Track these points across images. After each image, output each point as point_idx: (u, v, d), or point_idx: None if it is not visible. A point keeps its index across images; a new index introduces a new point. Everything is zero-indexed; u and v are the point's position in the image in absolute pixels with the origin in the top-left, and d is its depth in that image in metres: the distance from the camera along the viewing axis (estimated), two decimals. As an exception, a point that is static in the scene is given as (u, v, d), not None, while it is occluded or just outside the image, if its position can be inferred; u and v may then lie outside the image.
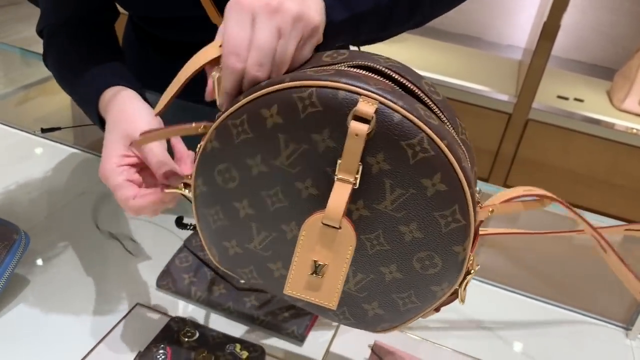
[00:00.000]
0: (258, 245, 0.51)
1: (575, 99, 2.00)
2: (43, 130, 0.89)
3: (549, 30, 1.77)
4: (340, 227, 0.44)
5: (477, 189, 0.49)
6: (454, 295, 0.52)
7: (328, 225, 0.44)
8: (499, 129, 1.96)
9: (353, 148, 0.43)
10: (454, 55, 2.20)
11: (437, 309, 0.53)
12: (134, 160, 0.59)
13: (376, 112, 0.42)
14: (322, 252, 0.45)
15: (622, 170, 1.90)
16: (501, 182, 2.05)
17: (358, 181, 0.44)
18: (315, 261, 0.46)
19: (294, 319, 0.68)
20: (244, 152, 0.47)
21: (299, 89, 0.44)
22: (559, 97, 2.00)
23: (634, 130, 1.86)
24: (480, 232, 0.52)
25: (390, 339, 0.69)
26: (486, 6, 2.39)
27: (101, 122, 0.66)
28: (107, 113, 0.63)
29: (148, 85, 0.93)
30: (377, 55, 0.47)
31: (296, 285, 0.47)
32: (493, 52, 2.35)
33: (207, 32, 0.75)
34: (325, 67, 0.47)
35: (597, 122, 1.89)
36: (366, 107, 0.42)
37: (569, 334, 0.76)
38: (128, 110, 0.62)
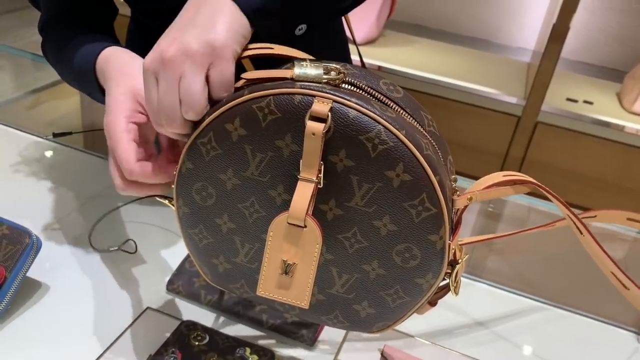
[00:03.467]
0: (244, 258, 0.52)
1: (585, 102, 1.99)
2: (55, 135, 0.90)
3: (558, 32, 1.76)
4: (305, 226, 0.45)
5: (453, 177, 0.49)
6: (446, 289, 0.52)
7: (294, 225, 0.45)
8: (507, 132, 1.95)
9: (312, 147, 0.44)
10: (462, 57, 2.20)
11: (432, 303, 0.53)
12: (143, 118, 0.56)
13: (331, 110, 0.43)
14: (290, 251, 0.46)
15: (632, 173, 1.88)
16: (510, 185, 2.04)
17: (322, 180, 0.45)
18: (284, 261, 0.47)
19: (304, 323, 0.68)
20: (215, 168, 0.48)
21: (257, 100, 0.45)
22: (568, 99, 1.99)
23: (644, 133, 1.85)
24: (462, 242, 0.52)
25: (400, 344, 0.69)
26: (494, 8, 2.38)
27: (100, 90, 0.64)
28: (108, 67, 0.62)
29: None
30: (335, 62, 0.48)
31: (268, 286, 0.48)
32: (502, 54, 2.34)
33: None
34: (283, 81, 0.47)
35: (607, 124, 1.88)
36: (321, 106, 0.43)
37: (579, 338, 0.75)
38: (132, 64, 0.60)
